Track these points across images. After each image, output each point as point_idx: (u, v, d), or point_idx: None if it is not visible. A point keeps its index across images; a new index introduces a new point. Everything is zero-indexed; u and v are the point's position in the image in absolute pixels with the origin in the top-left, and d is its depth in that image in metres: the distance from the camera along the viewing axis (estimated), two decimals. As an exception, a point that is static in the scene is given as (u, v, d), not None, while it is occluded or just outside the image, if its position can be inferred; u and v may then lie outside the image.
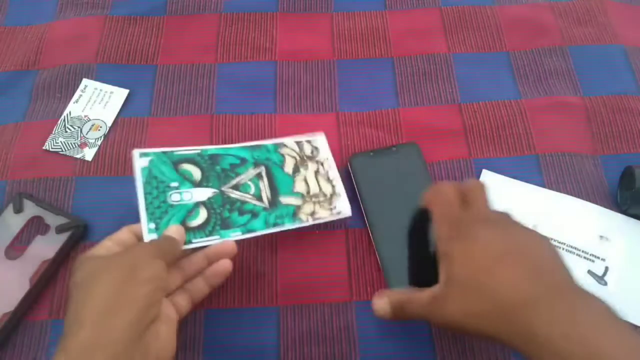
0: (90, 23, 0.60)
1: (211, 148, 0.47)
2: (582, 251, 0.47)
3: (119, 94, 0.55)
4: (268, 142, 0.49)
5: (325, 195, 0.47)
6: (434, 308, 0.36)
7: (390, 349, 0.43)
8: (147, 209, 0.41)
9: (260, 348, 0.43)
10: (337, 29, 0.61)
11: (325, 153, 0.50)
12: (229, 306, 0.45)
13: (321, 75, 0.57)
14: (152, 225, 0.41)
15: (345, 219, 0.47)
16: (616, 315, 0.31)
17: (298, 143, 0.50)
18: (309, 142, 0.51)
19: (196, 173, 0.45)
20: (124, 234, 0.41)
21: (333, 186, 0.48)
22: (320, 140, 0.51)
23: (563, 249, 0.48)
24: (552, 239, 0.48)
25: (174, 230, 0.41)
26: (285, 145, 0.50)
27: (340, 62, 0.58)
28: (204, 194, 0.44)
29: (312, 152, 0.50)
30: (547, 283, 0.33)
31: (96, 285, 0.34)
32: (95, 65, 0.57)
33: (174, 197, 0.43)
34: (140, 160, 0.44)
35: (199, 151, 0.46)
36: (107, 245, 0.39)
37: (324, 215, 0.46)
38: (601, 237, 0.48)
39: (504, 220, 0.38)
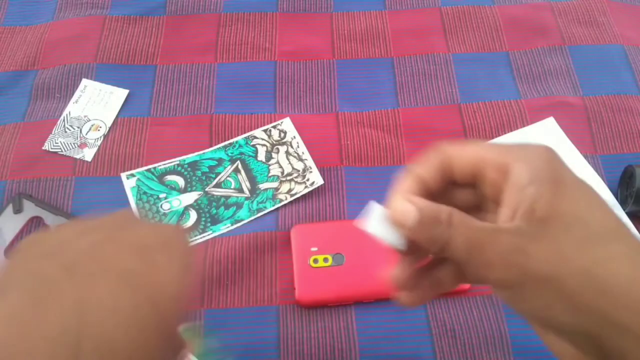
0: (90, 23, 0.60)
1: (189, 157, 0.51)
2: None
3: (119, 94, 0.55)
4: (239, 138, 0.53)
5: (298, 171, 0.50)
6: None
7: (390, 349, 0.43)
8: None
9: (261, 348, 0.43)
10: (337, 29, 0.61)
11: (292, 133, 0.53)
12: (229, 306, 0.45)
13: (321, 75, 0.57)
14: None
15: None
16: None
17: (266, 131, 0.53)
18: (275, 127, 0.53)
19: (180, 181, 0.50)
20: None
21: (304, 161, 0.51)
22: (286, 123, 0.53)
23: None
24: None
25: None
26: (255, 137, 0.52)
27: (340, 62, 0.58)
28: (191, 197, 0.49)
29: (280, 136, 0.53)
30: None
31: None
32: (94, 65, 0.57)
33: (165, 206, 0.49)
34: (128, 182, 0.49)
35: (178, 162, 0.51)
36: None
37: (300, 189, 0.49)
38: None
39: None
